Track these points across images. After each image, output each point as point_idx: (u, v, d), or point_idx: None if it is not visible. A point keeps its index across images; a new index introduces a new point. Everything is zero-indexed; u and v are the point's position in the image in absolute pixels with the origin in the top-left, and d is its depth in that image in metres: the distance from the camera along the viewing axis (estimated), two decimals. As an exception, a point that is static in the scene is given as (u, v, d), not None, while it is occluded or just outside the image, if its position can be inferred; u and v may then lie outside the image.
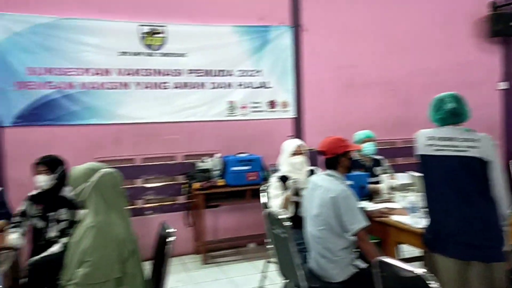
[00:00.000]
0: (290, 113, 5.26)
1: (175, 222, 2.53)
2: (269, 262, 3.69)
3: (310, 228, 2.84)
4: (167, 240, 2.42)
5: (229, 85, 4.99)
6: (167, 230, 2.46)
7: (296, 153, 3.44)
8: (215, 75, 4.93)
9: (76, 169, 2.38)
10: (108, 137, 4.56)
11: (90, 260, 2.15)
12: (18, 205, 3.24)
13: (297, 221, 3.02)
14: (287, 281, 2.95)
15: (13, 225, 3.06)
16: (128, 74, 4.59)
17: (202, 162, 4.70)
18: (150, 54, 4.67)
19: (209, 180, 4.58)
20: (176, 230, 2.48)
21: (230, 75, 4.98)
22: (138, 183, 4.71)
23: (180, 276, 4.20)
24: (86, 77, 4.43)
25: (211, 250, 4.76)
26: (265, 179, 4.43)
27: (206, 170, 4.64)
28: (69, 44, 4.37)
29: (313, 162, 3.86)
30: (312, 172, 3.43)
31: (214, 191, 4.59)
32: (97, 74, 4.48)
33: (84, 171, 2.33)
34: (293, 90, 5.25)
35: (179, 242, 2.43)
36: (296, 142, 3.53)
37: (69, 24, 4.36)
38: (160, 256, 2.47)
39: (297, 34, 5.22)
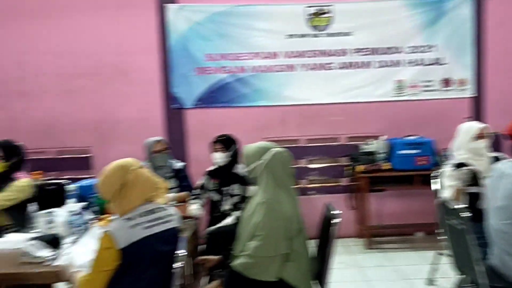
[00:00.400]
0: (468, 92, 4.72)
1: (337, 204, 2.51)
2: (440, 254, 3.41)
3: (493, 221, 2.50)
4: (331, 221, 2.40)
5: (397, 63, 4.70)
6: (332, 212, 2.44)
7: (479, 137, 3.06)
8: (382, 53, 4.69)
9: (249, 147, 2.46)
10: (275, 118, 4.73)
11: (260, 234, 2.25)
12: (198, 179, 3.60)
13: (474, 213, 2.70)
14: (463, 276, 2.68)
15: (193, 197, 3.41)
16: (294, 56, 4.67)
17: (366, 144, 4.55)
18: (315, 35, 4.67)
19: (374, 163, 4.42)
20: (341, 212, 2.44)
21: (399, 52, 4.68)
22: (302, 163, 4.80)
23: (342, 258, 4.18)
24: (256, 61, 4.65)
25: (375, 235, 4.62)
26: (437, 165, 4.08)
27: (370, 153, 4.48)
28: (241, 30, 4.62)
29: (496, 147, 3.40)
30: (497, 159, 3.02)
31: (379, 175, 4.41)
32: (266, 57, 4.66)
33: (257, 150, 2.41)
34: (473, 66, 4.69)
35: (342, 224, 2.38)
36: (479, 124, 3.14)
37: (242, 11, 4.61)
38: (325, 236, 2.47)
39: (479, 4, 4.63)
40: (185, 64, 4.63)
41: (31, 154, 4.42)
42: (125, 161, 2.04)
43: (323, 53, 4.68)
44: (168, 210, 2.10)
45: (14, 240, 2.57)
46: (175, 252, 2.04)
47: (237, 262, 2.28)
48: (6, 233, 2.96)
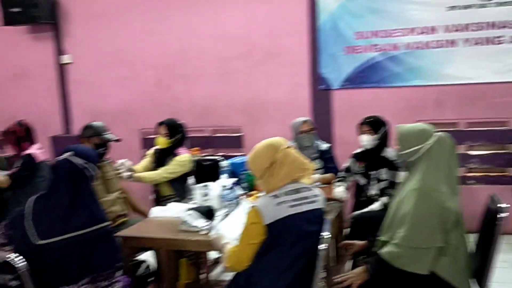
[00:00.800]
0: None
1: (503, 196, 2.20)
2: None
3: None
4: (497, 215, 2.12)
5: None
6: (498, 205, 2.15)
7: None
8: None
9: (406, 129, 2.25)
10: (429, 99, 4.37)
11: (409, 223, 2.09)
12: (344, 161, 3.52)
13: None
14: None
15: (338, 179, 3.35)
16: (456, 30, 4.21)
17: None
18: (482, 6, 4.13)
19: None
20: (509, 206, 2.14)
21: None
22: (461, 149, 4.35)
23: (508, 257, 3.70)
24: (410, 37, 4.32)
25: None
26: None
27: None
28: (395, 4, 4.33)
29: None
30: None
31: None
32: (422, 33, 4.29)
33: (418, 133, 2.21)
34: None
35: (509, 219, 2.09)
36: None
37: (396, -16, 4.32)
38: (487, 231, 2.20)
39: None
40: (334, 44, 4.53)
41: (191, 132, 4.84)
42: (275, 140, 2.08)
43: (492, 25, 4.13)
44: (313, 190, 2.09)
45: (175, 209, 2.84)
46: (320, 233, 2.02)
47: (385, 250, 2.16)
48: (169, 202, 3.31)
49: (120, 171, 3.34)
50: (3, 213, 3.73)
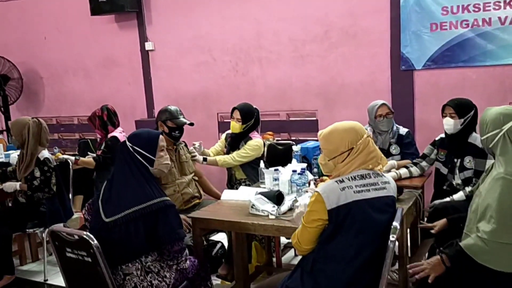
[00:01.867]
0: None
1: None
2: None
3: None
4: None
5: None
6: None
7: None
8: None
9: (488, 112, 2.10)
10: (527, 79, 3.93)
11: (494, 216, 1.90)
12: (424, 147, 3.30)
13: None
14: None
15: (413, 162, 3.15)
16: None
17: None
18: None
19: None
20: None
21: None
22: None
23: None
24: (505, 10, 3.89)
25: None
26: None
27: None
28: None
29: None
30: None
31: None
32: (520, 5, 3.86)
33: (497, 116, 2.03)
34: None
35: None
36: None
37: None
38: None
39: None
40: (418, 21, 4.22)
41: (265, 116, 4.85)
42: (358, 125, 1.99)
43: None
44: (383, 177, 1.97)
45: (246, 193, 2.86)
46: (390, 222, 1.90)
47: (467, 243, 1.99)
48: (240, 185, 3.34)
49: (194, 154, 3.43)
50: (91, 192, 4.04)
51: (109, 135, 3.98)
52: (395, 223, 1.85)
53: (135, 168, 2.21)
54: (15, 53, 6.30)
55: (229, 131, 3.77)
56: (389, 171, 3.21)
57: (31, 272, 3.78)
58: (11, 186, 3.53)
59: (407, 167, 3.18)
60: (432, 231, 2.45)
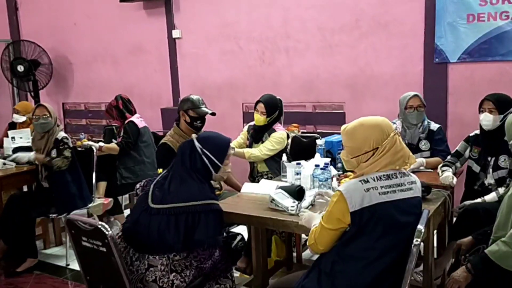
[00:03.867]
0: None
1: None
2: None
3: None
4: None
5: None
6: None
7: None
8: None
9: None
10: None
11: None
12: (457, 144, 3.14)
13: None
14: None
15: (444, 163, 2.99)
16: None
17: None
18: None
19: None
20: None
21: None
22: None
23: None
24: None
25: None
26: None
27: None
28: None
29: None
30: None
31: None
32: None
33: None
34: None
35: None
36: None
37: None
38: None
39: None
40: (454, 11, 4.02)
41: (291, 107, 4.76)
42: (385, 122, 1.85)
43: None
44: (410, 177, 1.86)
45: (266, 186, 2.79)
46: (415, 224, 1.80)
47: (492, 249, 1.90)
48: (262, 178, 3.27)
49: None
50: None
51: (126, 121, 4.03)
52: (420, 227, 1.75)
53: (196, 169, 2.22)
54: (46, 39, 6.39)
55: (252, 123, 3.70)
56: (417, 168, 3.08)
57: (53, 256, 3.83)
58: (24, 157, 3.58)
59: (449, 169, 2.93)
60: (454, 252, 2.33)
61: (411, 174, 1.89)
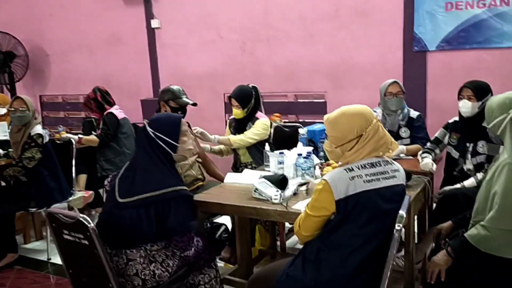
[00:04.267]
0: None
1: None
2: None
3: None
4: None
5: None
6: None
7: None
8: None
9: (493, 99, 2.07)
10: (545, 62, 3.78)
11: (499, 203, 1.86)
12: (436, 131, 3.19)
13: None
14: None
15: (424, 150, 3.04)
16: None
17: None
18: None
19: None
20: None
21: None
22: None
23: None
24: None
25: None
26: None
27: None
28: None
29: None
30: None
31: None
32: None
33: (502, 101, 2.00)
34: None
35: None
36: None
37: None
38: None
39: None
40: (432, 0, 4.06)
41: (273, 97, 4.76)
42: (368, 110, 1.87)
43: None
44: (393, 165, 1.88)
45: (249, 176, 2.79)
46: (398, 211, 1.82)
47: (471, 233, 1.96)
48: (246, 168, 3.27)
49: (201, 133, 3.34)
50: (96, 171, 4.02)
51: (105, 113, 3.97)
52: (401, 212, 1.78)
53: (156, 154, 2.17)
54: (21, 30, 6.23)
55: (232, 117, 3.69)
56: (398, 155, 3.12)
57: (34, 251, 3.78)
58: None
59: (429, 156, 2.98)
60: (434, 236, 2.38)
61: (395, 162, 1.92)
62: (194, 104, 3.20)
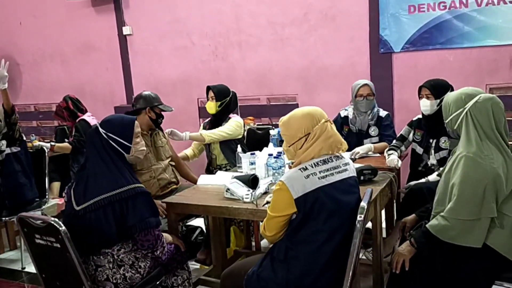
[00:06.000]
0: None
1: None
2: None
3: None
4: None
5: None
6: None
7: None
8: None
9: (450, 95, 2.17)
10: (503, 61, 3.95)
11: (457, 194, 1.95)
12: (401, 128, 3.31)
13: None
14: None
15: (390, 147, 3.16)
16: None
17: None
18: None
19: None
20: None
21: None
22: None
23: None
24: (481, -8, 3.91)
25: None
26: None
27: None
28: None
29: None
30: None
31: None
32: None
33: (458, 96, 2.09)
34: None
35: None
36: None
37: None
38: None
39: None
40: (396, 3, 4.21)
41: (246, 101, 4.83)
42: (317, 110, 1.96)
43: None
44: (343, 159, 1.97)
45: (222, 177, 2.85)
46: (356, 203, 1.91)
47: (431, 224, 2.05)
48: (220, 170, 3.32)
49: (174, 134, 3.37)
50: (69, 179, 4.01)
51: (78, 120, 3.99)
52: (363, 203, 1.85)
53: (108, 155, 2.15)
54: (-10, 39, 6.16)
55: (207, 120, 3.73)
56: (366, 153, 3.23)
57: (8, 261, 3.74)
58: None
59: (394, 153, 3.09)
60: (400, 230, 2.46)
61: (344, 156, 1.99)
62: (170, 110, 3.25)
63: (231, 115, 3.64)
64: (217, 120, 3.62)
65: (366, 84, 3.39)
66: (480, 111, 2.01)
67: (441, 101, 2.94)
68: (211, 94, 3.57)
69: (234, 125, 3.55)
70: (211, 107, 3.56)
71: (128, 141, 2.21)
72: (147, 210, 2.12)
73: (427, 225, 2.07)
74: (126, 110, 4.85)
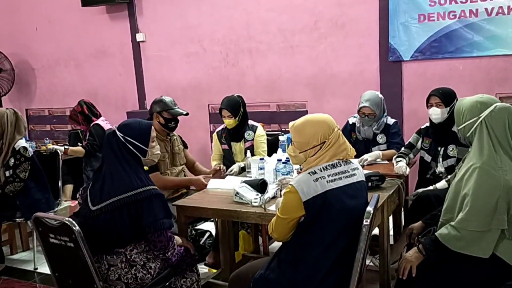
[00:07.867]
0: None
1: None
2: None
3: None
4: None
5: None
6: None
7: None
8: None
9: (463, 101, 2.14)
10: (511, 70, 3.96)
11: (469, 205, 1.94)
12: (411, 136, 3.33)
13: None
14: None
15: (398, 155, 3.18)
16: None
17: None
18: None
19: None
20: None
21: None
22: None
23: None
24: (492, 1, 3.92)
25: None
26: None
27: None
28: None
29: None
30: None
31: None
32: (506, -4, 3.88)
33: (473, 104, 2.07)
34: None
35: None
36: None
37: None
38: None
39: None
40: (406, 12, 4.24)
41: (256, 107, 4.88)
42: (330, 118, 1.99)
43: None
44: (352, 164, 2.00)
45: (232, 182, 2.90)
46: (363, 207, 1.94)
47: (441, 232, 2.04)
48: (229, 175, 3.37)
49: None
50: (82, 181, 4.08)
51: (92, 124, 4.06)
52: (369, 208, 1.88)
53: (125, 158, 2.21)
54: (7, 44, 6.30)
55: (219, 129, 3.73)
56: (374, 160, 3.26)
57: (21, 261, 3.81)
58: None
59: (403, 160, 3.11)
60: (407, 236, 2.47)
61: (352, 161, 2.03)
62: (187, 114, 3.30)
63: (251, 121, 3.65)
64: (238, 129, 3.60)
65: (367, 106, 3.33)
66: (496, 120, 2.00)
67: (450, 109, 2.97)
68: (226, 113, 3.50)
69: (264, 140, 3.61)
70: (231, 123, 3.52)
71: (145, 144, 2.29)
72: (161, 211, 2.17)
73: (436, 234, 2.06)
74: (139, 114, 4.97)
